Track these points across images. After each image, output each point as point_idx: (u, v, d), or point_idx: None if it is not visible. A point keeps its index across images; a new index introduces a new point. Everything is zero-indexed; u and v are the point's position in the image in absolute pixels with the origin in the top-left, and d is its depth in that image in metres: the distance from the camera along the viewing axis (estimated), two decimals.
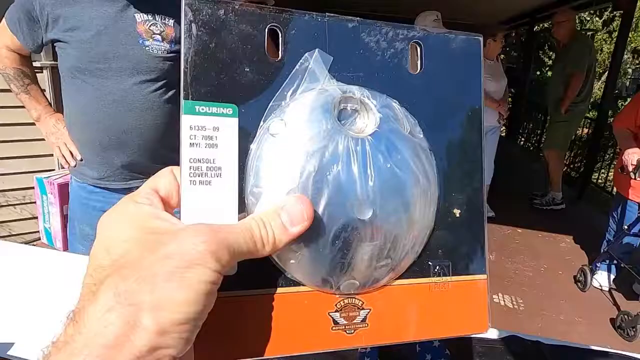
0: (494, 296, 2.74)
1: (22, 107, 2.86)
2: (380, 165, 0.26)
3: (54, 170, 2.90)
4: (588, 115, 4.97)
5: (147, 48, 1.21)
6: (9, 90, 2.76)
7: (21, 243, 2.88)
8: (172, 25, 1.24)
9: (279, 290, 0.27)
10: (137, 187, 1.16)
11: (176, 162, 1.09)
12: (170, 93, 1.29)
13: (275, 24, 0.25)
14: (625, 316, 2.36)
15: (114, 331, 0.20)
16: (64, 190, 2.73)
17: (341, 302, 0.29)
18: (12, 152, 2.78)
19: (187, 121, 0.25)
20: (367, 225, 0.27)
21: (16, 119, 2.74)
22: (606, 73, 6.20)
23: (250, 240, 0.23)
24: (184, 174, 0.25)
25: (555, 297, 2.80)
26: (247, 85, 0.25)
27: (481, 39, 0.33)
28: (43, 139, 2.94)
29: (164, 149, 1.33)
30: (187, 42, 0.24)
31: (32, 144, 2.83)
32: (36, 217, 2.92)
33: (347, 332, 0.29)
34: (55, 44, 1.24)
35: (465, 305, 0.32)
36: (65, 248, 2.85)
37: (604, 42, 9.49)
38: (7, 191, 2.83)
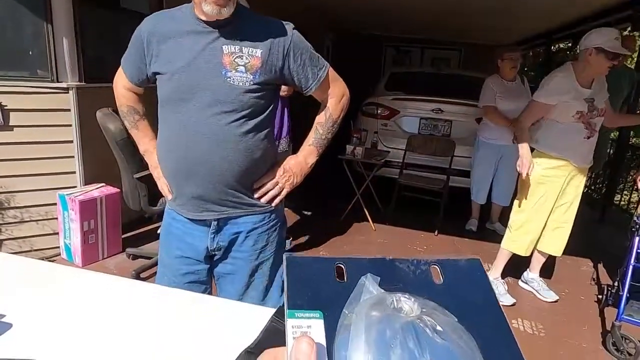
0: (512, 321, 2.66)
1: (46, 126, 2.97)
2: (429, 339, 0.35)
3: (75, 187, 2.98)
4: (610, 135, 4.88)
5: (228, 79, 1.20)
6: (34, 110, 2.87)
7: (42, 258, 2.94)
8: (258, 55, 1.22)
9: None
10: (210, 220, 1.39)
11: (248, 201, 1.18)
12: (249, 126, 1.25)
13: (340, 263, 0.41)
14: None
15: None
16: (84, 207, 2.80)
17: None
18: (36, 169, 2.87)
19: (290, 323, 0.36)
20: None
21: (40, 138, 2.84)
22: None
23: None
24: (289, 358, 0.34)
25: (577, 323, 2.71)
26: (327, 298, 0.38)
27: (479, 259, 0.43)
28: (64, 157, 3.03)
29: (236, 184, 1.29)
30: (288, 279, 0.39)
31: (55, 162, 2.92)
32: (57, 233, 2.99)
33: None
34: (156, 77, 1.29)
35: None
36: (85, 263, 2.90)
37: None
38: (30, 207, 2.91)
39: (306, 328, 0.36)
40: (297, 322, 0.36)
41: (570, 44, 7.18)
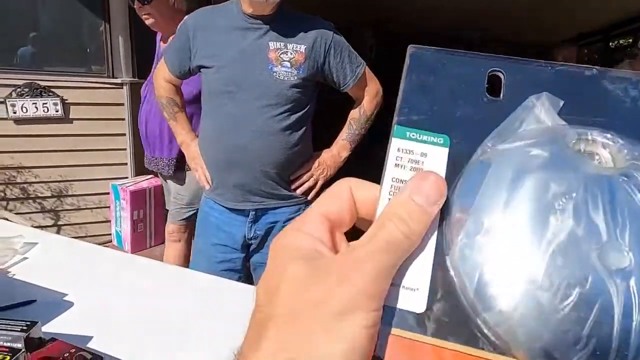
0: None
1: (102, 119, 3.12)
2: (634, 207, 0.20)
3: (127, 178, 3.14)
4: None
5: (274, 74, 1.26)
6: (91, 104, 3.04)
7: (95, 244, 3.12)
8: (302, 51, 1.28)
9: (479, 352, 0.21)
10: (248, 210, 1.41)
11: (285, 193, 1.19)
12: (290, 120, 1.30)
13: (498, 69, 0.25)
14: None
15: None
16: (135, 197, 2.94)
17: None
18: (92, 160, 3.04)
19: (395, 144, 0.24)
20: (620, 279, 0.19)
21: (96, 130, 3.01)
22: None
23: (397, 251, 0.21)
24: (384, 192, 0.24)
25: None
26: (462, 120, 0.24)
27: None
28: (118, 149, 3.19)
29: (275, 176, 1.34)
30: (406, 81, 0.25)
31: (109, 153, 3.09)
32: (109, 221, 3.16)
33: None
34: (201, 70, 1.35)
35: None
36: (134, 250, 3.04)
37: None
38: (86, 195, 3.09)
39: (419, 156, 0.24)
40: (407, 145, 0.24)
41: (630, 40, 6.74)
